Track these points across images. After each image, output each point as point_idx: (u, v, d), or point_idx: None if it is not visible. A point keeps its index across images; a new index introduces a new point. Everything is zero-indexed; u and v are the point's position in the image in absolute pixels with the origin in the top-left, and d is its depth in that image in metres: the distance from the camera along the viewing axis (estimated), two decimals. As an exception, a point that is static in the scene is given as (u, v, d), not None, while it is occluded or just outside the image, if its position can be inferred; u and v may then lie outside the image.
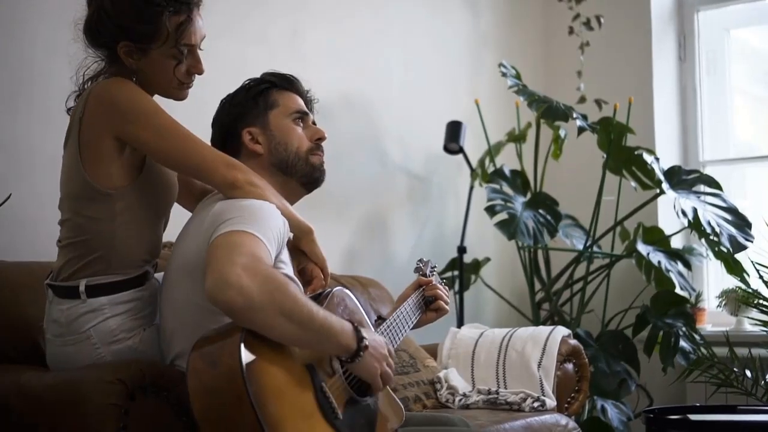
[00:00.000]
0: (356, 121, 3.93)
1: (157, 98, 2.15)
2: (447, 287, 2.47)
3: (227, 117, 2.24)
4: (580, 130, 3.88)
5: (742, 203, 4.15)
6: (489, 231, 4.10)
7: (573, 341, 3.26)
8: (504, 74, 4.00)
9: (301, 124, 2.25)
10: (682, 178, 3.94)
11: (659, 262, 3.82)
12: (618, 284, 4.20)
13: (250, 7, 3.49)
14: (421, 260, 2.46)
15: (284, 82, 2.27)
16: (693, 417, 3.21)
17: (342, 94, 3.85)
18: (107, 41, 2.11)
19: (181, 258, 2.04)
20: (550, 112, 3.85)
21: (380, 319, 2.27)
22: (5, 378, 2.12)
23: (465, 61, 4.50)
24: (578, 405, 3.23)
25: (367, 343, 1.91)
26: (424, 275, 2.41)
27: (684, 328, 3.75)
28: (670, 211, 3.88)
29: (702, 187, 3.94)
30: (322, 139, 2.26)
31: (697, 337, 3.78)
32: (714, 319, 4.35)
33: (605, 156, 3.99)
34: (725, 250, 3.75)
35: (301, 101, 2.28)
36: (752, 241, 3.76)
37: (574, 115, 3.84)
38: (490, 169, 4.13)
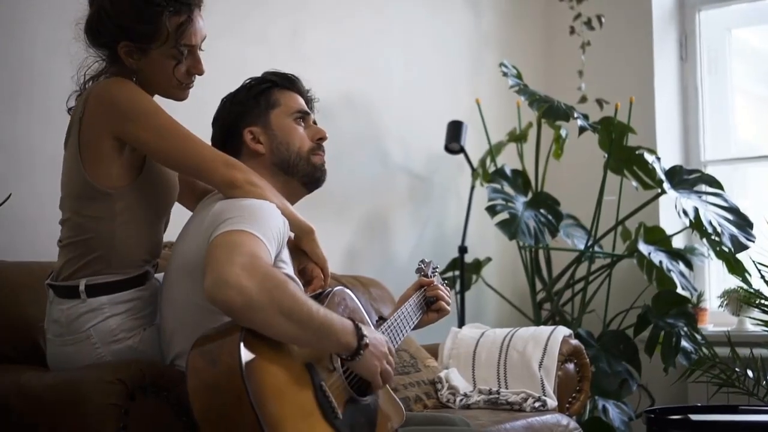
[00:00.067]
0: (357, 121, 3.93)
1: (157, 98, 2.15)
2: (448, 288, 2.46)
3: (228, 116, 2.23)
4: (581, 129, 3.88)
5: (743, 203, 4.14)
6: (490, 231, 4.10)
7: (574, 341, 3.26)
8: (505, 74, 4.00)
9: (303, 124, 2.24)
10: (684, 178, 3.93)
11: (660, 262, 3.81)
12: (619, 284, 4.19)
13: (250, 7, 3.49)
14: (422, 261, 2.46)
15: (285, 82, 2.27)
16: (694, 417, 3.20)
17: (342, 93, 3.85)
18: (107, 41, 2.11)
19: (181, 258, 2.04)
20: (551, 111, 3.85)
21: (381, 320, 2.26)
22: (5, 378, 2.12)
23: (466, 61, 4.50)
24: (579, 405, 3.22)
25: (367, 341, 1.91)
26: (426, 276, 2.41)
27: (685, 328, 3.75)
28: (672, 211, 3.88)
29: (703, 187, 3.94)
30: (323, 138, 2.25)
31: (698, 337, 3.78)
32: (715, 319, 4.34)
33: (606, 156, 3.99)
34: (727, 249, 3.75)
35: (302, 101, 2.27)
36: (754, 241, 3.75)
37: (575, 115, 3.84)
38: (491, 169, 4.13)
